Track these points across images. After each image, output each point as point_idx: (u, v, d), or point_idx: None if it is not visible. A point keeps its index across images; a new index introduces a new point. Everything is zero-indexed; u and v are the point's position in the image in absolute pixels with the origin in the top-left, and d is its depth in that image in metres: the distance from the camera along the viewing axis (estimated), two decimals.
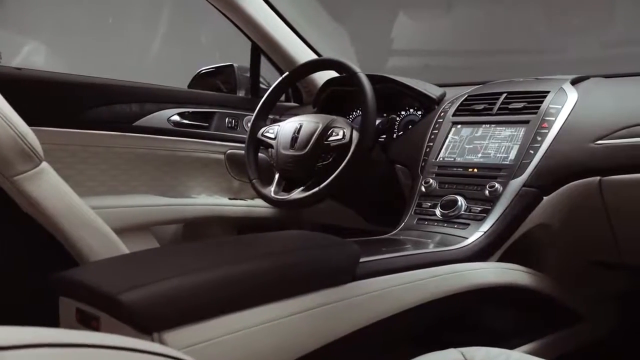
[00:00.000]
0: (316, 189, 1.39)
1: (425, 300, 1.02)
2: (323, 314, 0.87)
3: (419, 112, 1.66)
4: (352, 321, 0.91)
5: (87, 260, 0.89)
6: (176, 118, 1.77)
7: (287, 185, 1.50)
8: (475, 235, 1.21)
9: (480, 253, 1.18)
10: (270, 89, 1.63)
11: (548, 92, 1.37)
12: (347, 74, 1.48)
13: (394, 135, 1.67)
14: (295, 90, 2.03)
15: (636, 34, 1.79)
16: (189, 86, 2.11)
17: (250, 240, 0.98)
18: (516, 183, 1.26)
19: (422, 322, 1.06)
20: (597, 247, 1.36)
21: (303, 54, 1.91)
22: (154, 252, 0.88)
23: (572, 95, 1.35)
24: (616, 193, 1.23)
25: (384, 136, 1.67)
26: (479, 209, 1.27)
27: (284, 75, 1.63)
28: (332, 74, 1.88)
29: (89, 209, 0.91)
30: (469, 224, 1.25)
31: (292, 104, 2.04)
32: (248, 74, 2.00)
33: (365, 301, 0.93)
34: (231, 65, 2.04)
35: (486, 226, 1.22)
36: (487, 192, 1.28)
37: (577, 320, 1.42)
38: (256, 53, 1.96)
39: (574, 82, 1.41)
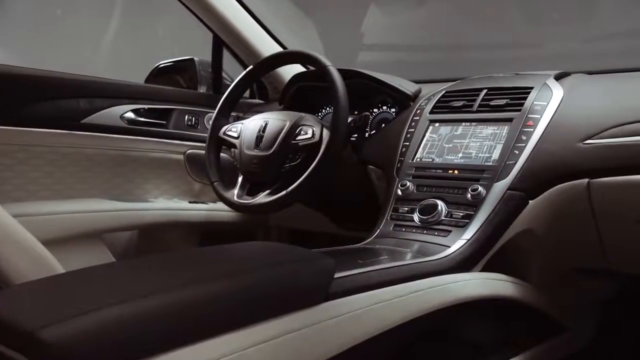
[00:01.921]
0: (283, 192, 1.30)
1: (407, 319, 0.92)
2: (293, 341, 0.75)
3: (393, 110, 1.57)
4: (326, 347, 0.80)
5: (10, 284, 0.75)
6: (130, 115, 1.65)
7: (251, 188, 1.39)
8: (457, 243, 1.11)
9: (464, 263, 1.09)
10: (233, 84, 1.53)
11: (531, 88, 1.29)
12: (316, 68, 1.39)
13: (366, 134, 1.58)
14: (261, 86, 1.93)
15: (616, 29, 1.73)
16: (146, 81, 1.99)
17: (206, 256, 0.85)
18: (500, 186, 1.17)
19: (403, 342, 0.95)
20: (583, 254, 1.29)
21: (269, 47, 1.81)
22: (90, 272, 0.75)
23: (557, 92, 1.26)
24: (605, 196, 1.16)
25: (355, 135, 1.57)
26: (461, 214, 1.17)
27: (247, 69, 1.52)
28: (300, 68, 1.81)
29: (12, 219, 0.76)
30: (450, 231, 1.15)
31: (257, 100, 1.94)
32: (210, 69, 1.87)
33: (340, 323, 0.82)
34: (192, 59, 1.94)
35: (469, 233, 1.13)
36: (469, 195, 1.18)
37: (560, 331, 1.34)
38: (218, 46, 1.86)
39: (557, 78, 1.33)
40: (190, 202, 1.77)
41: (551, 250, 1.26)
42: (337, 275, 0.85)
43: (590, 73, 1.39)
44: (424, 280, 0.98)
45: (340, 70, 1.36)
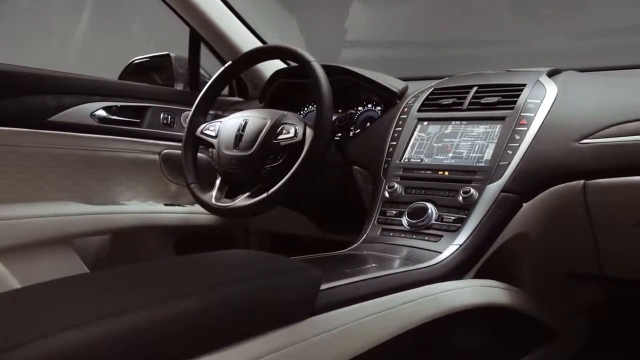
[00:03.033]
0: (264, 195, 1.23)
1: (398, 332, 0.85)
2: None
3: (379, 108, 1.51)
4: None
5: None
6: (102, 113, 1.56)
7: (230, 190, 1.32)
8: (449, 249, 1.05)
9: (456, 270, 1.03)
10: (211, 80, 1.46)
11: (524, 85, 1.23)
12: (299, 64, 1.32)
13: (351, 134, 1.51)
14: (240, 83, 1.86)
15: (608, 25, 1.69)
16: (120, 78, 1.91)
17: (179, 267, 0.78)
18: (493, 188, 1.11)
19: (395, 356, 0.88)
20: (576, 258, 1.25)
21: (248, 43, 1.74)
22: (46, 288, 0.67)
23: (551, 89, 1.21)
24: (601, 198, 1.11)
25: (339, 134, 1.50)
26: (453, 218, 1.11)
27: (226, 65, 1.45)
28: (281, 64, 1.75)
29: None
30: (441, 236, 1.09)
31: (236, 98, 1.87)
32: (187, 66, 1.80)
33: (328, 340, 0.75)
34: (168, 55, 1.86)
35: (462, 238, 1.07)
36: (460, 198, 1.12)
37: (551, 338, 1.30)
38: (195, 41, 1.78)
39: (549, 75, 1.28)
40: (166, 205, 1.68)
41: (544, 254, 1.21)
42: (323, 286, 0.78)
43: (582, 71, 1.35)
44: (416, 290, 0.91)
45: (323, 67, 1.29)
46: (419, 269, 0.98)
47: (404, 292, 0.89)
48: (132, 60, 1.93)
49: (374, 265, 0.97)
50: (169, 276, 0.73)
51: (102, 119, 1.55)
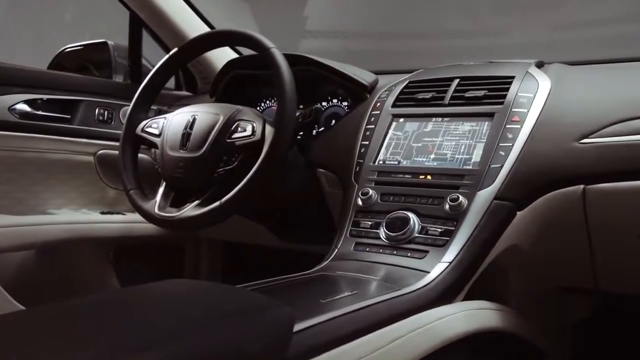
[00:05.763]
0: (216, 203, 1.07)
1: None
2: None
3: (345, 103, 1.35)
4: None
5: None
6: (23, 107, 1.38)
7: (176, 197, 1.16)
8: (437, 267, 0.90)
9: (447, 292, 0.88)
10: (153, 70, 1.28)
11: (512, 77, 1.10)
12: (256, 51, 1.16)
13: (314, 132, 1.35)
14: (188, 75, 1.70)
15: (591, 16, 1.58)
16: (50, 68, 1.70)
17: (113, 310, 0.59)
18: (485, 195, 0.97)
19: None
20: (570, 272, 1.13)
21: (197, 29, 1.58)
22: None
23: (543, 82, 1.08)
24: (602, 205, 0.99)
25: (301, 133, 1.34)
26: (439, 230, 0.96)
27: (171, 52, 1.27)
28: (234, 54, 1.59)
29: None
30: (427, 251, 0.94)
31: (184, 92, 1.70)
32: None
33: None
34: (105, 43, 1.69)
35: (450, 255, 0.92)
36: (447, 207, 0.97)
37: (540, 357, 1.17)
38: (136, 26, 1.61)
39: (538, 67, 1.15)
40: (102, 214, 1.51)
41: (535, 268, 1.09)
42: (297, 326, 0.61)
43: (571, 64, 1.22)
44: (406, 321, 0.76)
45: (284, 56, 1.13)
46: (406, 294, 0.82)
47: (393, 326, 0.73)
48: (63, 49, 1.74)
49: (352, 292, 0.80)
50: (103, 324, 0.54)
51: (23, 115, 1.37)
